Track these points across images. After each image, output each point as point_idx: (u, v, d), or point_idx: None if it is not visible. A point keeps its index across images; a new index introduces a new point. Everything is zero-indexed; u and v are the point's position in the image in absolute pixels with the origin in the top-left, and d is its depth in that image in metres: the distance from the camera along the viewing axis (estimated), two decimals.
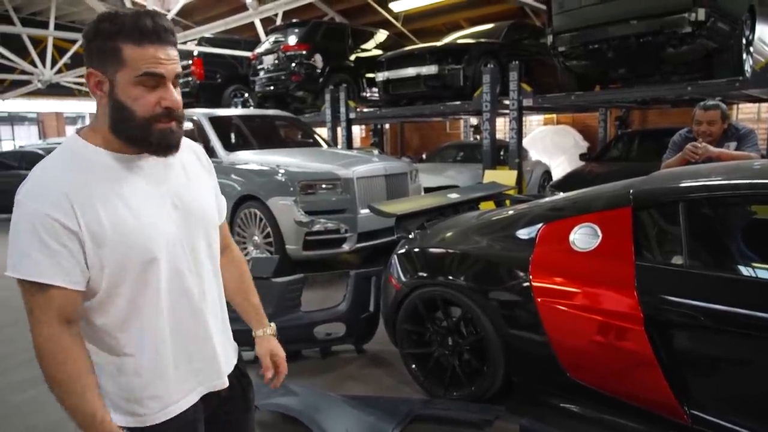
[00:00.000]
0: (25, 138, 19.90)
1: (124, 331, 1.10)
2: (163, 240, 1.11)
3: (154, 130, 1.08)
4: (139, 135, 1.08)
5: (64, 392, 1.06)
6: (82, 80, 16.54)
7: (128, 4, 11.70)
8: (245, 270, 1.47)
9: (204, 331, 1.21)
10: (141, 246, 1.07)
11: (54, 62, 15.26)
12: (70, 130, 21.02)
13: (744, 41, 5.47)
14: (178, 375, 1.16)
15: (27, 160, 10.28)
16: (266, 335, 1.49)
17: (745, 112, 11.41)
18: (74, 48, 15.04)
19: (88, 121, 21.29)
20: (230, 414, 1.32)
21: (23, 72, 15.09)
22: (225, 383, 1.26)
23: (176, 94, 1.10)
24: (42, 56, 15.03)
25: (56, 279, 1.02)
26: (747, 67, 5.47)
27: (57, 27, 14.42)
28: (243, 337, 1.44)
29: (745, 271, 2.13)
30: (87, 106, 20.50)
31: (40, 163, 1.08)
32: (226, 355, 1.29)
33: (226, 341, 1.30)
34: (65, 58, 15.23)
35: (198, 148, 1.32)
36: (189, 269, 1.17)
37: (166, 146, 1.11)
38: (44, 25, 14.65)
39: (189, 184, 1.21)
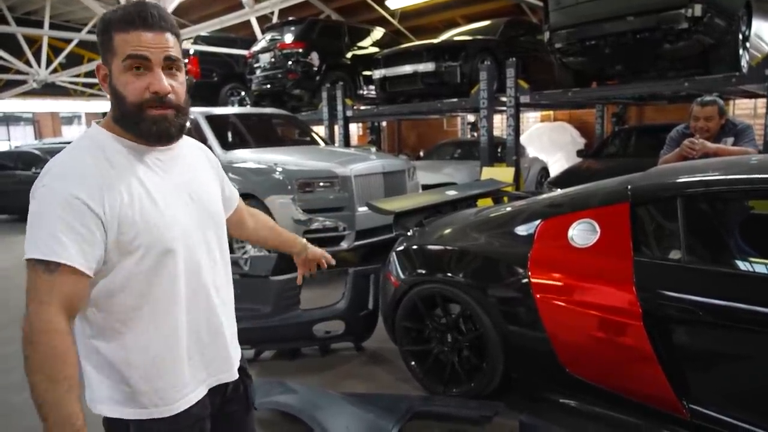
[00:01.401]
0: (21, 138, 19.82)
1: (140, 320, 1.10)
2: (181, 231, 1.13)
3: (146, 117, 1.08)
4: (131, 122, 1.09)
5: (48, 383, 0.98)
6: (78, 80, 16.56)
7: (122, 2, 11.65)
8: (267, 217, 1.67)
9: (217, 323, 1.23)
10: (162, 235, 1.09)
11: (49, 62, 15.22)
12: (66, 130, 20.97)
13: (740, 37, 5.47)
14: (192, 366, 1.18)
15: (23, 160, 10.23)
16: (308, 249, 1.68)
17: (741, 108, 11.43)
18: (69, 47, 15.00)
19: (84, 121, 21.24)
20: (233, 413, 1.32)
21: (18, 72, 15.03)
22: (234, 375, 1.29)
23: (165, 80, 1.08)
24: (37, 56, 14.98)
25: (75, 260, 1.01)
26: (743, 63, 5.48)
27: (52, 26, 14.38)
28: (244, 335, 1.44)
29: (742, 265, 2.14)
30: (83, 106, 20.43)
31: (62, 152, 1.09)
32: (235, 347, 1.31)
33: (234, 335, 1.32)
34: (60, 58, 15.18)
35: (204, 147, 1.35)
36: (205, 262, 1.19)
37: (158, 134, 1.11)
38: (39, 24, 14.58)
39: (200, 180, 1.24)
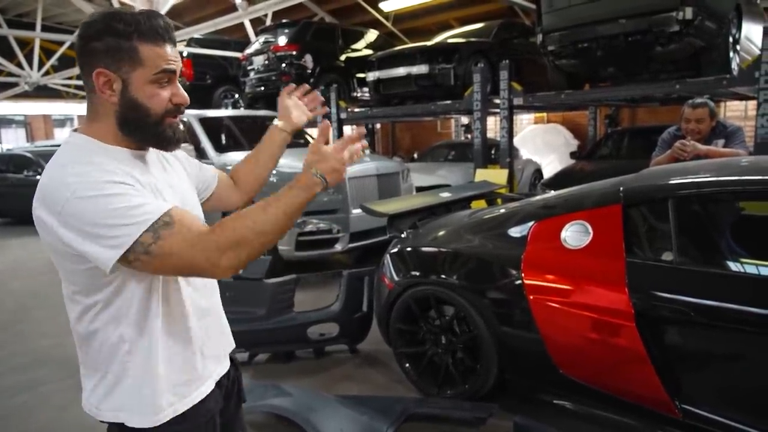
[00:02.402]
0: (13, 141, 19.69)
1: (151, 313, 1.10)
2: None
3: (166, 126, 1.12)
4: (152, 131, 1.11)
5: (269, 220, 1.03)
6: (70, 82, 16.45)
7: (116, 5, 11.61)
8: (239, 164, 1.58)
9: (217, 315, 1.29)
10: None
11: (41, 64, 15.13)
12: (58, 132, 20.83)
13: (731, 40, 5.52)
14: (204, 360, 1.21)
15: (14, 163, 10.17)
16: (280, 117, 1.57)
17: (732, 110, 11.52)
18: (61, 50, 14.90)
19: (76, 123, 21.08)
20: (227, 407, 1.32)
21: (10, 74, 14.93)
22: (228, 364, 1.33)
23: (184, 91, 1.14)
24: (29, 58, 14.89)
25: (170, 205, 1.02)
26: (734, 66, 5.52)
27: (44, 29, 14.30)
28: (238, 338, 1.44)
29: (734, 266, 2.16)
30: (75, 109, 20.32)
31: (60, 167, 1.02)
32: (229, 334, 1.36)
33: (226, 323, 1.36)
34: (52, 60, 15.08)
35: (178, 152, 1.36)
36: None
37: (176, 140, 1.16)
38: (31, 26, 14.50)
39: (182, 182, 1.27)
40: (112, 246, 0.96)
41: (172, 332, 1.13)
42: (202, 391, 1.19)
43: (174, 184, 1.21)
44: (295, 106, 1.57)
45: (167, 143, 1.15)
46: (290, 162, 5.54)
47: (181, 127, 1.17)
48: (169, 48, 1.09)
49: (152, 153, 1.19)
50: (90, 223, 0.96)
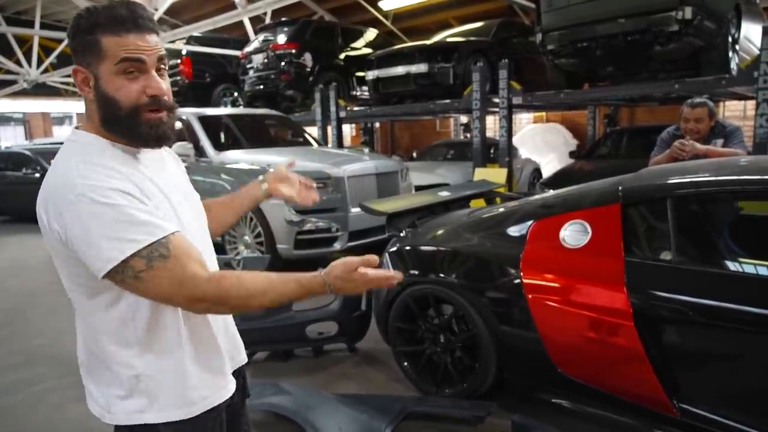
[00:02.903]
0: (11, 139, 19.66)
1: (166, 318, 1.10)
2: (188, 225, 1.15)
3: (143, 120, 1.07)
4: (127, 126, 1.07)
5: (268, 292, 1.05)
6: (69, 80, 16.39)
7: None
8: (212, 201, 1.49)
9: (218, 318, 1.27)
10: (181, 229, 1.10)
11: (40, 62, 15.09)
12: (57, 130, 20.79)
13: (730, 39, 5.53)
14: (221, 356, 1.22)
15: (13, 161, 10.14)
16: (270, 181, 1.50)
17: (731, 110, 11.53)
18: (60, 47, 14.86)
19: (75, 121, 21.09)
20: (233, 403, 1.31)
21: (9, 72, 14.89)
22: (245, 359, 1.34)
23: (161, 82, 1.08)
24: (28, 56, 14.85)
25: (170, 227, 1.01)
26: (733, 65, 5.53)
27: (43, 26, 14.26)
28: (251, 335, 1.44)
29: (732, 266, 2.16)
30: (74, 106, 20.30)
31: (65, 161, 1.02)
32: (237, 332, 1.36)
33: (233, 322, 1.36)
34: (51, 58, 15.05)
35: (170, 150, 1.33)
36: (206, 255, 1.20)
37: (157, 137, 1.10)
38: (30, 24, 14.46)
39: (182, 178, 1.26)
40: (107, 259, 0.96)
41: (194, 332, 1.14)
42: (230, 389, 1.22)
43: (174, 179, 1.21)
44: (289, 181, 1.52)
45: (146, 140, 1.09)
46: (288, 160, 5.55)
47: (176, 124, 1.14)
48: (134, 36, 1.03)
49: (152, 151, 1.16)
50: (89, 230, 0.96)
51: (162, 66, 1.09)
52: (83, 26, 1.03)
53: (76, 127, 1.12)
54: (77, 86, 1.07)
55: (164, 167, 1.19)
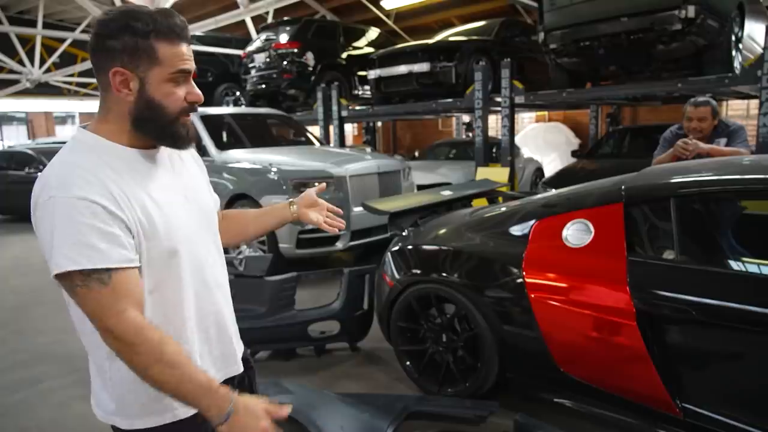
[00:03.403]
0: (14, 138, 19.70)
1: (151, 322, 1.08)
2: (183, 232, 1.14)
3: (180, 124, 1.13)
4: (167, 130, 1.12)
5: (170, 368, 1.00)
6: (72, 79, 16.47)
7: (118, 2, 11.61)
8: (240, 210, 1.55)
9: (222, 319, 1.25)
10: (167, 238, 1.09)
11: (42, 61, 15.13)
12: (59, 129, 20.84)
13: (733, 38, 5.51)
14: (203, 365, 1.18)
15: (16, 160, 10.16)
16: (294, 204, 1.50)
17: (734, 109, 11.51)
18: (63, 47, 14.92)
19: (78, 121, 21.06)
20: None
21: (11, 71, 14.93)
22: (240, 368, 1.31)
23: (198, 89, 1.15)
24: (30, 55, 14.89)
25: (124, 261, 1.00)
26: (736, 64, 5.51)
27: (45, 26, 14.28)
28: (253, 334, 1.43)
29: (735, 265, 2.15)
30: (76, 106, 20.33)
31: (58, 161, 1.05)
32: (238, 341, 1.33)
33: (236, 329, 1.34)
34: (54, 57, 15.10)
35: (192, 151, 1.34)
36: (206, 260, 1.21)
37: (189, 139, 1.16)
38: (32, 23, 14.49)
39: (193, 180, 1.26)
40: (56, 264, 0.98)
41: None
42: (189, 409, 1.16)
43: (180, 182, 1.20)
44: (319, 206, 1.52)
45: (182, 142, 1.15)
46: (291, 160, 5.56)
47: (192, 124, 1.18)
48: (185, 47, 1.10)
49: (163, 152, 1.18)
50: (52, 232, 0.98)
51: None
52: (138, 30, 1.04)
53: (83, 126, 1.13)
54: (113, 86, 1.06)
55: (171, 169, 1.19)
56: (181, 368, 1.02)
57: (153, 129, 1.11)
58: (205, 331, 1.20)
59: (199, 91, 1.15)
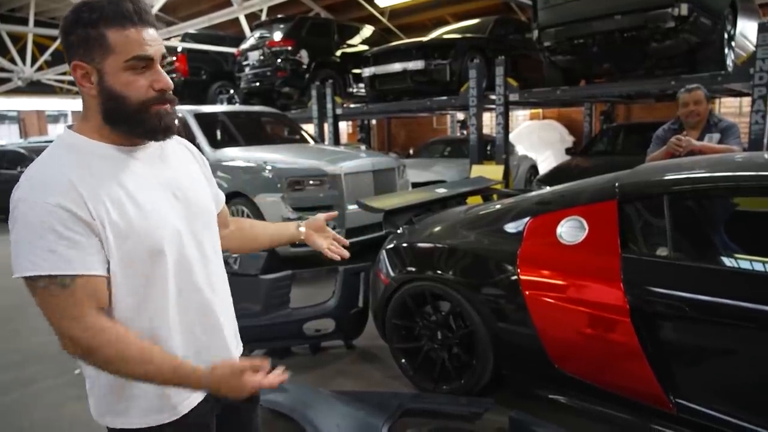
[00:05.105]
0: (6, 137, 19.56)
1: (137, 322, 1.07)
2: (168, 231, 1.09)
3: (151, 114, 1.07)
4: (135, 121, 1.06)
5: (144, 365, 1.00)
6: (64, 77, 16.35)
7: None
8: (251, 221, 1.57)
9: (214, 321, 1.21)
10: (148, 238, 1.06)
11: (34, 59, 15.00)
12: (51, 128, 20.70)
13: (726, 36, 5.54)
14: (196, 362, 1.14)
15: (8, 159, 10.09)
16: (307, 226, 1.54)
17: (727, 106, 11.58)
18: (55, 45, 14.76)
19: (70, 119, 21.01)
20: (239, 408, 1.30)
21: (3, 69, 14.81)
22: None
23: (166, 76, 1.09)
24: (22, 53, 14.76)
25: (86, 267, 0.98)
26: (729, 62, 5.55)
27: (37, 23, 14.16)
28: (248, 332, 1.43)
29: (728, 262, 2.17)
30: (69, 104, 20.19)
31: (35, 162, 1.04)
32: (236, 347, 1.30)
33: (234, 331, 1.31)
34: (46, 55, 14.97)
35: (187, 142, 1.31)
36: (196, 261, 1.16)
37: (165, 128, 1.10)
38: (24, 21, 14.37)
39: (186, 176, 1.21)
40: (18, 266, 0.98)
41: (152, 340, 1.08)
42: (186, 404, 1.15)
43: (169, 178, 1.15)
44: (325, 234, 1.57)
45: (155, 133, 1.09)
46: (286, 158, 5.55)
47: (170, 113, 1.11)
48: (139, 31, 1.02)
49: (152, 148, 1.14)
50: (18, 233, 0.98)
51: (164, 60, 1.10)
52: (86, 20, 1.00)
53: (69, 126, 1.11)
54: (77, 82, 1.05)
55: (156, 166, 1.14)
56: (146, 364, 1.00)
57: (122, 122, 1.06)
58: (191, 333, 1.16)
59: (166, 78, 1.07)
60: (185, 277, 1.14)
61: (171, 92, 1.10)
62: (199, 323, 1.17)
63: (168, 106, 1.09)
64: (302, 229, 1.52)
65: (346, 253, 1.55)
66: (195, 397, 1.17)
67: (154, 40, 1.05)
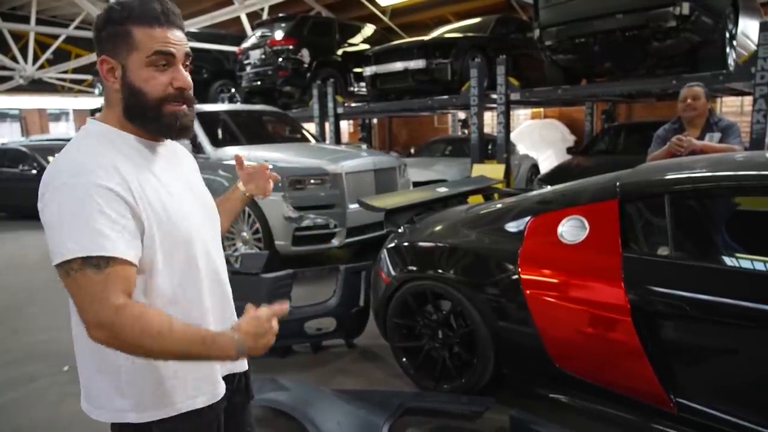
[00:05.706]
0: (8, 135, 19.57)
1: (175, 308, 1.09)
2: (195, 222, 1.15)
3: (166, 112, 1.10)
4: (152, 117, 1.10)
5: (169, 336, 0.97)
6: (65, 76, 16.35)
7: None
8: None
9: (230, 311, 1.27)
10: (182, 226, 1.11)
11: (36, 58, 15.01)
12: (53, 127, 20.73)
13: (727, 35, 5.53)
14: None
15: (9, 157, 10.10)
16: (244, 181, 1.54)
17: (728, 106, 11.55)
18: (57, 43, 14.81)
19: (71, 118, 20.98)
20: (236, 404, 1.32)
21: (4, 68, 14.82)
22: (245, 366, 1.31)
23: (187, 75, 1.12)
24: (23, 52, 14.77)
25: (124, 252, 0.99)
26: (730, 61, 5.54)
27: (38, 22, 14.19)
28: None
29: (729, 261, 2.17)
30: (70, 103, 20.22)
31: (67, 151, 1.06)
32: None
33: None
34: (47, 54, 14.98)
35: (182, 146, 1.35)
36: (215, 251, 1.22)
37: (180, 128, 1.13)
38: (25, 19, 14.39)
39: (195, 174, 1.28)
40: (65, 248, 0.96)
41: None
42: (216, 394, 1.19)
43: (185, 175, 1.22)
44: (258, 174, 1.55)
45: (169, 130, 1.13)
46: (287, 157, 5.55)
47: (187, 113, 1.14)
48: (164, 30, 1.07)
49: (169, 145, 1.19)
50: (61, 219, 0.98)
51: (187, 62, 1.13)
52: (115, 17, 1.06)
53: (93, 116, 1.15)
54: (102, 76, 1.10)
55: (175, 162, 1.21)
56: (174, 334, 0.98)
57: (139, 117, 1.10)
58: (222, 322, 1.20)
59: (186, 77, 1.11)
60: (210, 267, 1.19)
61: (190, 93, 1.13)
62: (221, 310, 1.23)
63: (185, 107, 1.13)
64: (240, 185, 1.53)
65: (270, 185, 1.57)
66: (218, 391, 1.19)
67: (179, 40, 1.10)
